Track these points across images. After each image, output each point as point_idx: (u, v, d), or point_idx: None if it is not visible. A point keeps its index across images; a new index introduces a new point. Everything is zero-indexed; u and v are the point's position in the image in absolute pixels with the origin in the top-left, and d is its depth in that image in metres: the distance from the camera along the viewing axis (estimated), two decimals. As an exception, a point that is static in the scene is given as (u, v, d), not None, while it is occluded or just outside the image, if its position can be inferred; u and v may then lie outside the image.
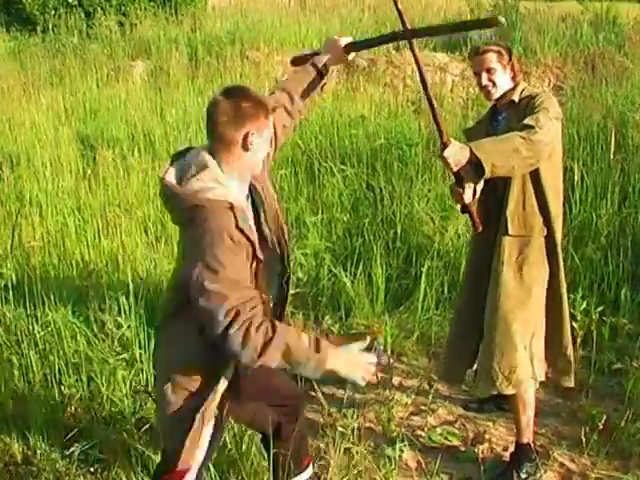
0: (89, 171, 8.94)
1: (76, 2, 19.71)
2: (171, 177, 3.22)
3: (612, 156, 7.86)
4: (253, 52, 15.81)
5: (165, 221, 7.38)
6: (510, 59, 4.52)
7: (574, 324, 5.52)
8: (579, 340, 5.51)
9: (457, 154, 3.89)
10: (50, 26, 18.43)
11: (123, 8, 19.98)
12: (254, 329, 2.94)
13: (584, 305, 5.58)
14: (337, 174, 8.29)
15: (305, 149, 9.45)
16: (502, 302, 4.38)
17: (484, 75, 4.46)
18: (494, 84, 4.47)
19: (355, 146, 9.46)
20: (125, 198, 7.86)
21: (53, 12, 19.30)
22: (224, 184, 3.14)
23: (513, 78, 4.53)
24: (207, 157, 3.19)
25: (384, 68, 15.67)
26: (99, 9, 19.40)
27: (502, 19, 3.55)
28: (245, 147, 3.20)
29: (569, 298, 5.66)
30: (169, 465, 3.40)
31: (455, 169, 3.95)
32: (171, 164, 3.30)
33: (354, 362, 3.18)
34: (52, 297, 5.82)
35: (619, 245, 6.98)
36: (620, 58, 14.33)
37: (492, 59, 4.45)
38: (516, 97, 4.47)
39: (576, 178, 7.46)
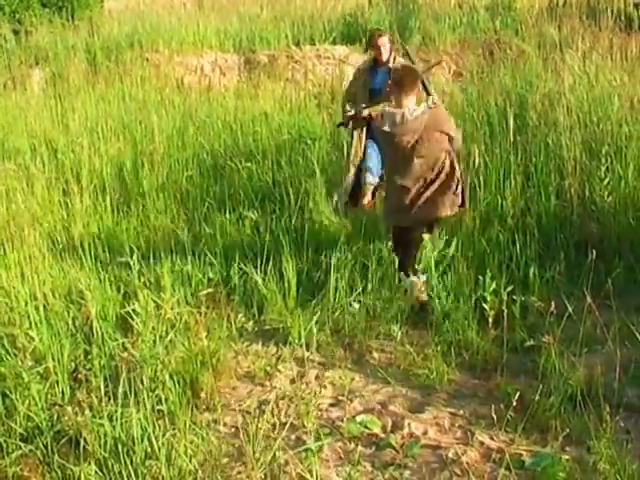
0: (-9, 183, 8.78)
1: (-32, 12, 19.27)
2: None
3: (512, 138, 8.03)
4: (153, 54, 15.69)
5: (72, 230, 7.31)
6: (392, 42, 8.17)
7: (484, 305, 5.67)
8: (490, 320, 5.64)
9: None
10: (-57, 37, 18.00)
11: (17, 15, 19.57)
12: None
13: (493, 286, 5.70)
14: (243, 172, 8.31)
15: (210, 149, 9.44)
16: None
17: (383, 47, 7.94)
18: (383, 53, 7.96)
19: (259, 143, 9.50)
20: (30, 209, 7.75)
21: (-56, 23, 18.82)
22: None
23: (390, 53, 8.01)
24: None
25: (285, 63, 15.71)
26: (-9, 18, 18.98)
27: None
28: None
29: (478, 280, 5.85)
30: None
31: None
32: None
33: None
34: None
35: (525, 225, 7.16)
36: (517, 42, 14.60)
37: (386, 39, 8.04)
38: (391, 65, 7.78)
39: (478, 162, 7.60)
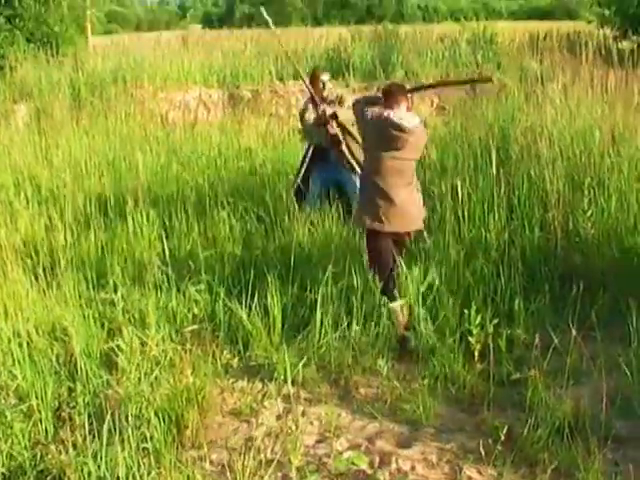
0: (-25, 220, 8.76)
1: (-47, 47, 19.33)
2: None
3: (495, 171, 8.08)
4: (137, 90, 15.76)
5: (55, 266, 7.28)
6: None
7: (470, 338, 5.67)
8: (476, 354, 5.64)
9: None
10: None
11: (1, 51, 19.64)
12: None
13: (479, 319, 5.70)
14: (227, 208, 8.31)
15: (194, 184, 9.45)
16: None
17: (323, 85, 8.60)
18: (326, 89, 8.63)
19: (244, 178, 9.52)
20: (13, 245, 7.72)
21: None
22: None
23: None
24: None
25: (269, 98, 15.82)
26: (-23, 53, 19.05)
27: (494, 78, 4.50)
28: None
29: (463, 313, 5.86)
30: None
31: None
32: None
33: None
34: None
35: (509, 257, 7.16)
36: (499, 76, 14.72)
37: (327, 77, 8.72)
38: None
39: (461, 195, 7.63)
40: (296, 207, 7.95)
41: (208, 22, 76.40)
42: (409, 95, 6.97)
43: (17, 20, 20.92)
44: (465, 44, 18.71)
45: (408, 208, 6.63)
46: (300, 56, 18.52)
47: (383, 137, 6.55)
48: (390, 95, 6.77)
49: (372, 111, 6.73)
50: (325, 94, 8.60)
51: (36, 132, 13.13)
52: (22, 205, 9.02)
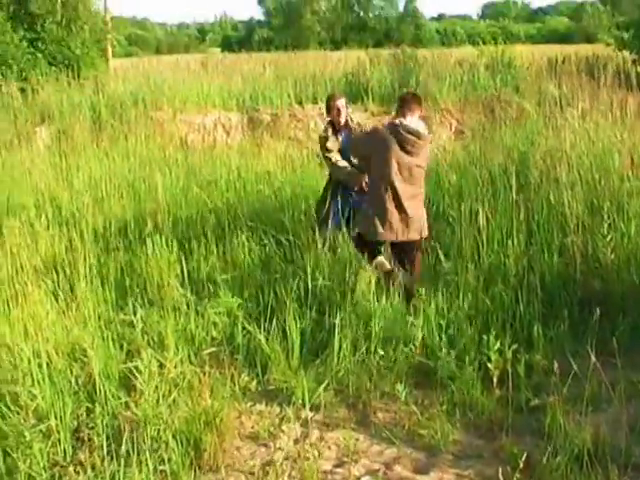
0: (-6, 240, 8.82)
1: (-24, 69, 19.52)
2: None
3: (514, 196, 8.07)
4: (157, 113, 15.85)
5: (75, 287, 7.32)
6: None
7: (489, 364, 5.65)
8: (495, 380, 5.62)
9: None
10: (-49, 94, 18.21)
11: (24, 74, 19.82)
12: None
13: (498, 345, 5.67)
14: (246, 231, 8.33)
15: (213, 207, 9.49)
16: None
17: (342, 109, 8.51)
18: (342, 115, 8.51)
19: (263, 202, 9.54)
20: (34, 266, 7.77)
21: (-47, 80, 19.06)
22: None
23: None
24: None
25: (287, 122, 15.86)
26: (0, 75, 19.21)
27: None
28: None
29: (482, 339, 5.84)
30: None
31: None
32: None
33: None
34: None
35: (528, 283, 7.14)
36: (517, 100, 14.73)
37: (343, 101, 8.62)
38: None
39: (481, 220, 7.64)
40: (316, 231, 7.95)
41: (227, 45, 76.97)
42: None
43: (39, 43, 21.16)
44: (484, 68, 18.73)
45: (417, 217, 7.10)
46: (318, 80, 18.60)
47: (397, 143, 6.93)
48: (405, 103, 7.17)
49: (382, 124, 7.05)
50: (343, 120, 8.59)
51: (57, 154, 13.24)
52: (43, 226, 9.07)
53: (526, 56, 21.42)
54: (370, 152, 7.25)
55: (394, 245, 7.27)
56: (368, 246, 7.35)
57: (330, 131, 8.62)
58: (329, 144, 8.55)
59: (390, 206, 7.04)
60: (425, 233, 7.29)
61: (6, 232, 9.26)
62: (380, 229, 7.11)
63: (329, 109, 8.71)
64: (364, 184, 7.94)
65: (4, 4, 21.27)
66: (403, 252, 7.24)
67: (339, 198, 8.18)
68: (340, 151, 8.49)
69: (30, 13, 21.59)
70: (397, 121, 7.06)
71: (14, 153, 13.71)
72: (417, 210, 7.15)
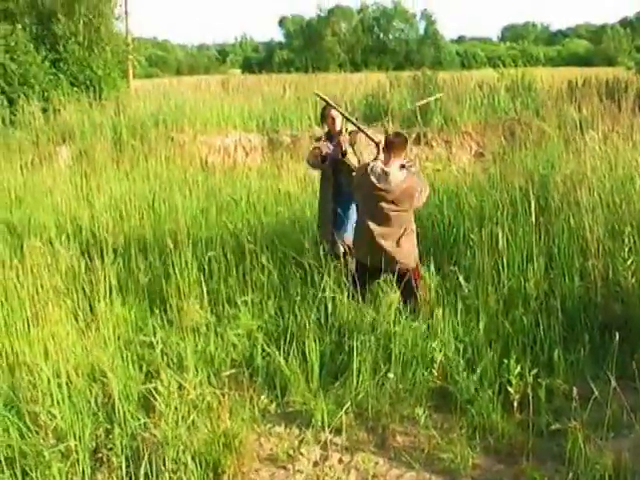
0: (16, 260, 8.85)
1: (-2, 90, 19.69)
2: None
3: (535, 219, 8.06)
4: (177, 134, 15.92)
5: (95, 307, 7.34)
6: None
7: (509, 388, 5.63)
8: (515, 404, 5.60)
9: None
10: (-27, 114, 18.39)
11: (46, 94, 19.98)
12: None
13: (518, 369, 5.67)
14: (266, 253, 8.34)
15: (233, 229, 9.49)
16: None
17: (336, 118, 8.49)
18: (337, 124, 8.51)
19: (283, 223, 9.56)
20: (54, 286, 7.79)
21: (-25, 100, 19.25)
22: None
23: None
24: None
25: (307, 144, 15.87)
26: (22, 95, 19.37)
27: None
28: None
29: (502, 363, 5.82)
30: None
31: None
32: None
33: None
34: (-19, 391, 5.74)
35: (549, 307, 7.12)
36: (538, 123, 14.72)
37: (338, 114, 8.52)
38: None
39: (502, 243, 7.62)
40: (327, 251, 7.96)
41: (247, 67, 77.24)
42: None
43: (61, 64, 21.35)
44: (504, 91, 18.73)
45: (397, 254, 7.19)
46: (339, 102, 18.65)
47: (368, 185, 7.22)
48: (390, 145, 7.33)
49: (363, 165, 7.45)
50: (338, 128, 8.56)
51: (78, 174, 13.31)
52: (63, 246, 9.11)
53: (546, 79, 21.43)
54: (353, 187, 7.67)
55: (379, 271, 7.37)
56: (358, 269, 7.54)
57: (324, 137, 8.68)
58: (317, 148, 8.53)
59: (365, 238, 7.30)
60: (411, 265, 7.34)
61: (27, 251, 9.32)
62: (359, 253, 7.50)
63: (324, 118, 8.78)
64: None
65: (28, 25, 21.47)
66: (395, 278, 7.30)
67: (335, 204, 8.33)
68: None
69: (53, 34, 21.80)
70: (371, 163, 7.34)
71: (35, 172, 13.80)
72: (396, 248, 7.19)
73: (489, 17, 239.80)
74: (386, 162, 7.27)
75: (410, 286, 7.19)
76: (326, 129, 8.82)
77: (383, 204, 7.12)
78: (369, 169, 7.23)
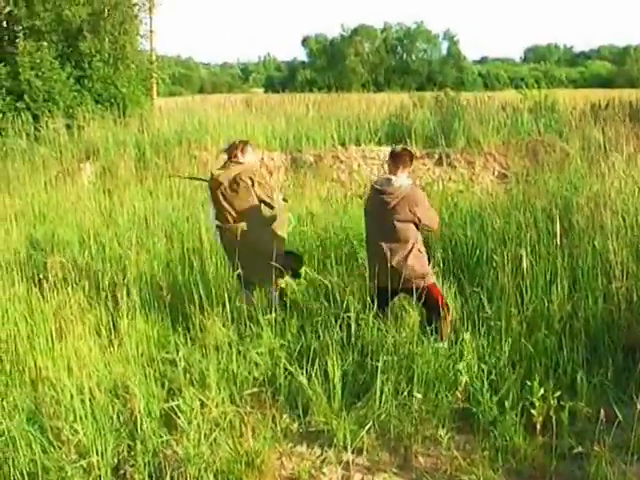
0: (40, 275, 8.91)
1: (24, 105, 19.84)
2: None
3: (559, 241, 8.03)
4: (201, 152, 15.97)
5: (117, 324, 7.37)
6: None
7: (532, 411, 5.60)
8: (538, 426, 5.58)
9: None
10: (-2, 129, 18.55)
11: (70, 111, 20.12)
12: None
13: (541, 391, 5.65)
14: (288, 272, 8.34)
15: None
16: None
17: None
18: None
19: (305, 243, 9.56)
20: (77, 302, 7.83)
21: (1, 115, 19.40)
22: None
23: None
24: None
25: (330, 163, 15.91)
26: (47, 112, 19.52)
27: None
28: None
29: (525, 385, 5.79)
30: None
31: None
32: None
33: None
34: (5, 405, 5.75)
35: (572, 329, 7.10)
36: (561, 144, 14.69)
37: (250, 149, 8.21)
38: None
39: (525, 265, 7.60)
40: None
41: (270, 86, 77.72)
42: None
43: (86, 81, 21.50)
44: (527, 112, 18.71)
45: (406, 269, 7.10)
46: (362, 122, 18.70)
47: (373, 201, 7.33)
48: (393, 157, 7.43)
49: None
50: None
51: (101, 191, 13.39)
52: (86, 262, 9.16)
53: (569, 100, 21.39)
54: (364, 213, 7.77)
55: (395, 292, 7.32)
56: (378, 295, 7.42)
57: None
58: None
59: (376, 258, 7.22)
60: (423, 284, 7.19)
61: (50, 267, 9.37)
62: (371, 275, 7.40)
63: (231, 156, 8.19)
64: None
65: (54, 42, 21.66)
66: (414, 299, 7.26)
67: None
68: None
69: (79, 51, 21.97)
70: (375, 179, 7.59)
71: (59, 188, 13.88)
72: (404, 264, 7.11)
73: (512, 38, 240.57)
74: (392, 173, 7.33)
75: (431, 305, 7.17)
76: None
77: (386, 213, 7.11)
78: (374, 181, 7.46)
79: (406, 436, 6.01)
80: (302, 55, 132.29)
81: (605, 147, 12.44)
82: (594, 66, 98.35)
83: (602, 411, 5.44)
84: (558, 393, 5.70)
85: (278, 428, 5.99)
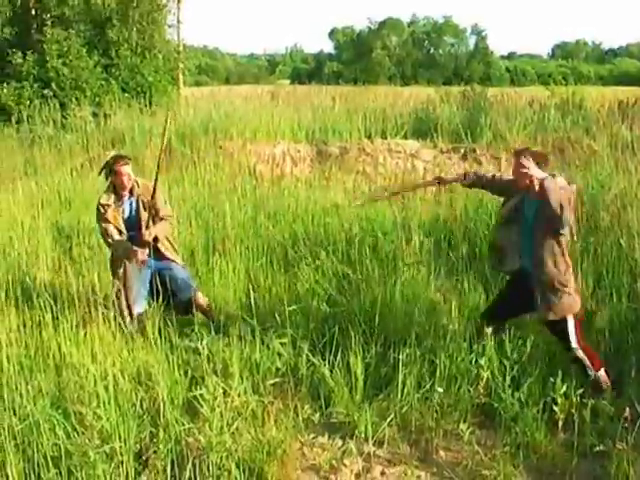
0: (66, 262, 8.97)
1: (51, 93, 19.99)
2: None
3: (583, 239, 8.00)
4: (227, 142, 15.98)
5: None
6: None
7: (555, 407, 5.60)
8: (560, 423, 5.57)
9: None
10: (25, 117, 18.66)
11: (97, 99, 20.22)
12: None
13: (564, 388, 5.66)
14: (312, 263, 8.36)
15: (280, 238, 9.54)
16: None
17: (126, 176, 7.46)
18: (126, 182, 7.49)
19: (329, 235, 9.56)
20: (101, 288, 7.87)
21: (28, 103, 19.54)
22: None
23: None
24: None
25: (356, 156, 15.86)
26: (74, 100, 19.62)
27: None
28: None
29: (548, 382, 5.77)
30: None
31: None
32: None
33: None
34: (30, 389, 5.80)
35: (595, 326, 7.06)
36: (588, 141, 14.60)
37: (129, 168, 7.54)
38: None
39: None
40: None
41: (297, 77, 77.67)
42: None
43: (113, 69, 21.62)
44: (554, 109, 18.60)
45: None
46: (388, 115, 18.67)
47: None
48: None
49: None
50: (127, 187, 7.62)
51: (127, 179, 13.41)
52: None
53: (596, 97, 21.26)
54: None
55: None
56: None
57: (112, 198, 7.62)
58: (101, 218, 7.56)
59: None
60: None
61: (76, 254, 9.44)
62: None
63: (111, 172, 7.59)
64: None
65: (82, 30, 21.78)
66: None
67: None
68: (125, 221, 7.62)
69: (106, 40, 22.09)
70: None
71: (85, 176, 13.95)
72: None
73: (540, 34, 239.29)
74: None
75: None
76: (109, 181, 7.64)
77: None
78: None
79: (427, 429, 6.01)
80: (329, 47, 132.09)
81: (632, 145, 12.36)
82: (623, 63, 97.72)
83: (626, 410, 5.45)
84: (581, 390, 5.71)
85: (300, 418, 6.00)
